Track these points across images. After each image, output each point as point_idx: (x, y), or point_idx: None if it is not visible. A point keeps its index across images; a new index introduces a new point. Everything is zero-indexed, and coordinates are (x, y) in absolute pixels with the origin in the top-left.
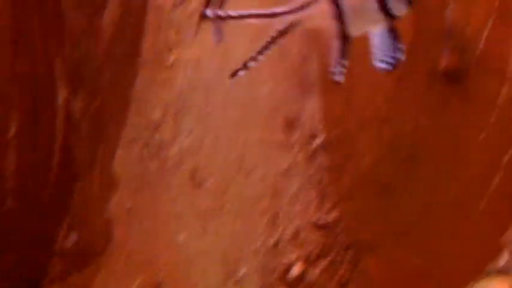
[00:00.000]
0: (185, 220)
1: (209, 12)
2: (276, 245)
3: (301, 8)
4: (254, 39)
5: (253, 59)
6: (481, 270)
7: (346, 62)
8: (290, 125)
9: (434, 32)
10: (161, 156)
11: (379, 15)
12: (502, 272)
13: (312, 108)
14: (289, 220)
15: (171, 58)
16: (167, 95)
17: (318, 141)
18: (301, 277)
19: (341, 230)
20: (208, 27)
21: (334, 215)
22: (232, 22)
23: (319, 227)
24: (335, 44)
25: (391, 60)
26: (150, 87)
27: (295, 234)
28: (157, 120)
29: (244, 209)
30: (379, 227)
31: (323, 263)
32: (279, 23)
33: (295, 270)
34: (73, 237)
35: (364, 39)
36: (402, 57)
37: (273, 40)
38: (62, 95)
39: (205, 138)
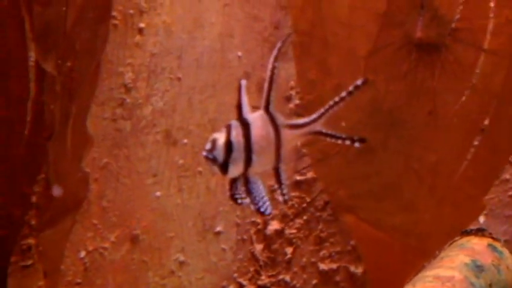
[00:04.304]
0: (161, 177)
1: None
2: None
3: None
4: (227, 4)
5: None
6: (460, 229)
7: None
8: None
9: (408, 4)
10: (135, 116)
11: None
12: (480, 231)
13: (285, 73)
14: (265, 179)
15: (142, 23)
16: (139, 58)
17: (292, 104)
18: (279, 233)
19: (317, 190)
20: None
21: (310, 175)
22: None
23: (295, 187)
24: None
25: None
26: (121, 50)
27: (271, 194)
28: (130, 82)
29: None
30: (358, 188)
31: (299, 222)
32: None
33: (272, 226)
34: (49, 192)
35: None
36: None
37: None
38: (32, 55)
39: (178, 101)
